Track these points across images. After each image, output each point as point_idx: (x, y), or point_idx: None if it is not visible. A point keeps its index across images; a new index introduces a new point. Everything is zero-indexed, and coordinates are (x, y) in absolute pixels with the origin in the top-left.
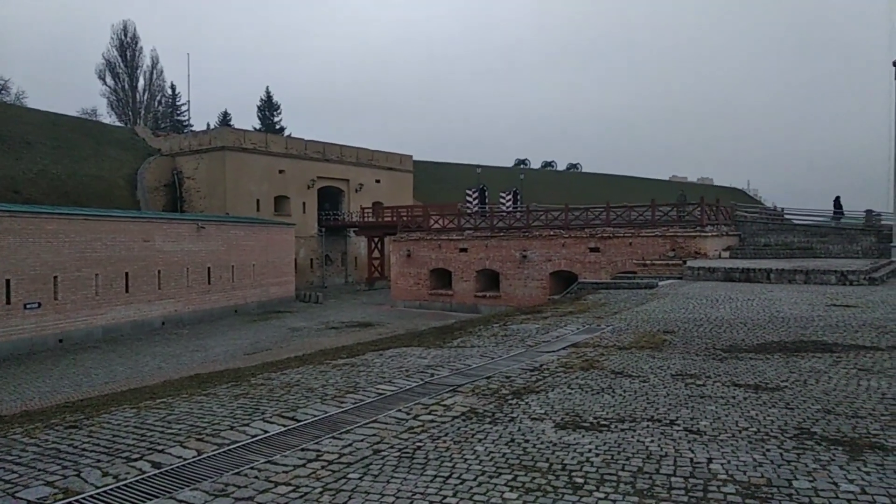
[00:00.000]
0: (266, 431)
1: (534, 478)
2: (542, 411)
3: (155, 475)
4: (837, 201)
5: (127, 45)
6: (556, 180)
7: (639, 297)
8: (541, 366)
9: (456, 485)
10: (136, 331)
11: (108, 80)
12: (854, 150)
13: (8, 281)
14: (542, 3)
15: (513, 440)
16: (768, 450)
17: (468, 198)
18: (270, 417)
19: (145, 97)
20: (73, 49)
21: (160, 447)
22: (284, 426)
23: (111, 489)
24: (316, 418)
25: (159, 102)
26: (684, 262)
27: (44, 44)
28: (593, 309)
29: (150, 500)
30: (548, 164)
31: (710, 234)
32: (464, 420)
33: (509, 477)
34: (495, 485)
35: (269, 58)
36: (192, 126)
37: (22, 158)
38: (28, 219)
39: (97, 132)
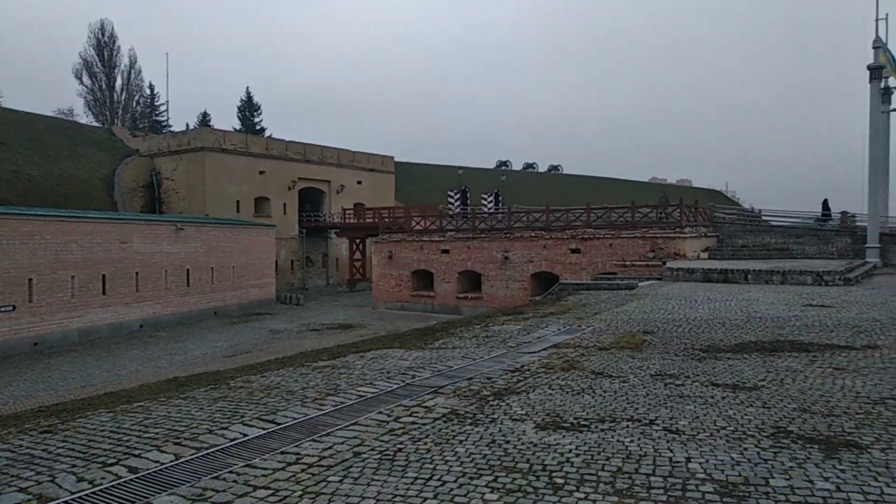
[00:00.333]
0: (245, 435)
1: (514, 479)
2: (523, 412)
3: (131, 480)
4: (825, 204)
5: (104, 44)
6: (538, 182)
7: (619, 297)
8: (522, 367)
9: (436, 486)
10: (114, 334)
11: (86, 79)
12: (830, 153)
13: None
14: (524, 7)
15: (494, 441)
16: (746, 449)
17: (450, 199)
18: (250, 420)
19: (123, 97)
20: (50, 48)
21: (137, 452)
22: (264, 429)
23: (86, 495)
24: (296, 421)
25: (137, 102)
26: (664, 263)
27: (19, 42)
28: (574, 310)
29: None
30: (529, 166)
31: (689, 235)
32: (445, 421)
33: (490, 478)
34: (476, 486)
35: (249, 58)
36: (170, 126)
37: None
38: (2, 220)
39: (74, 132)
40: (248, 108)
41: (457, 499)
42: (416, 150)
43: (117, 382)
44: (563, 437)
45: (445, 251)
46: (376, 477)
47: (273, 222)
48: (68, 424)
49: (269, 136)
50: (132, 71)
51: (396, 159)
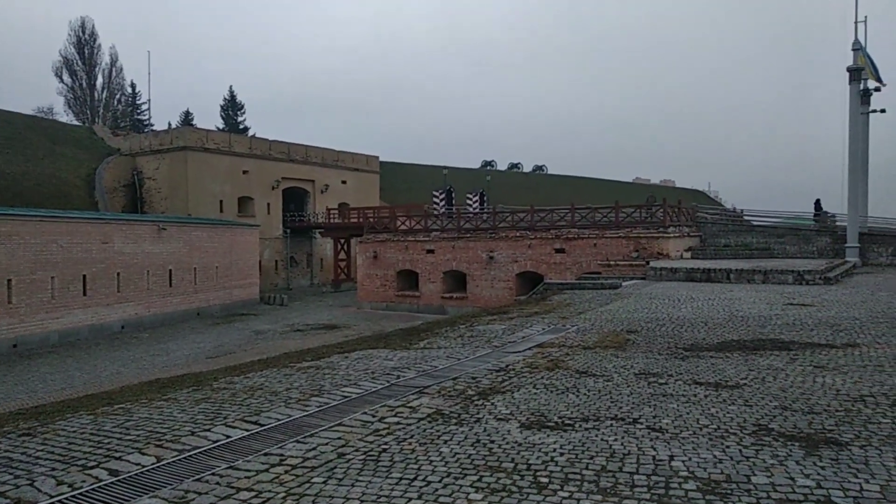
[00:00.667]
0: (228, 436)
1: (499, 478)
2: (508, 411)
3: (112, 483)
4: (818, 204)
5: (85, 42)
6: (523, 182)
7: (603, 297)
8: (507, 366)
9: (421, 487)
10: (95, 335)
11: (66, 77)
12: (810, 153)
13: None
14: (511, 7)
15: (478, 441)
16: (728, 446)
17: (435, 199)
18: (233, 422)
19: (104, 95)
20: (30, 46)
21: (118, 454)
22: (247, 431)
23: (66, 498)
24: (280, 422)
25: (118, 101)
26: (647, 263)
27: None
28: (558, 309)
29: None
30: (514, 166)
31: (672, 235)
32: (430, 422)
33: (475, 478)
34: (460, 486)
35: (232, 57)
36: (152, 125)
37: None
38: None
39: (53, 131)
40: (232, 108)
41: (441, 499)
42: (401, 150)
43: (98, 384)
44: (548, 436)
45: (430, 251)
46: (360, 478)
47: (257, 222)
48: (48, 427)
49: (253, 136)
50: (113, 69)
51: (381, 159)
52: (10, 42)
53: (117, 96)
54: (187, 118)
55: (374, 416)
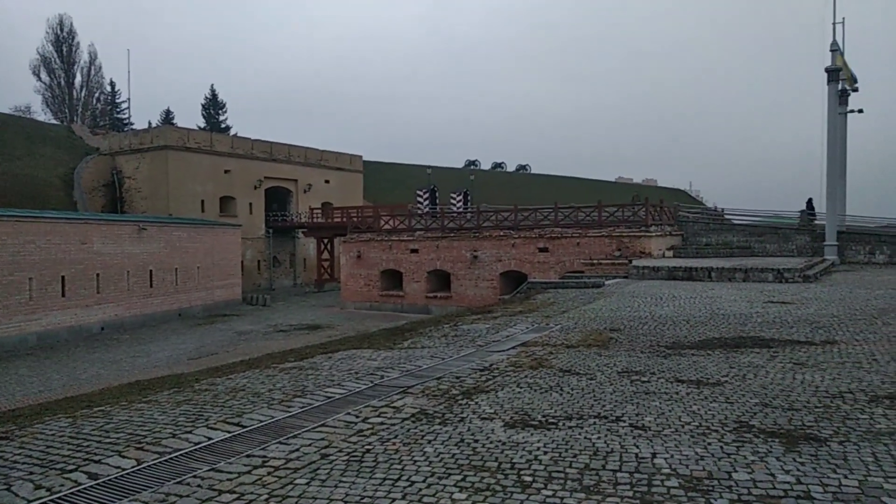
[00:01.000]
0: (210, 438)
1: (483, 477)
2: (492, 411)
3: (91, 487)
4: (810, 203)
5: (63, 39)
6: (506, 181)
7: (586, 296)
8: (490, 365)
9: (405, 487)
10: (74, 337)
11: (44, 76)
12: (790, 153)
13: None
14: (495, 8)
15: (462, 440)
16: (709, 443)
17: (419, 198)
18: (214, 424)
19: (83, 94)
20: (6, 44)
21: (97, 457)
22: (229, 432)
23: (44, 502)
24: (262, 423)
25: (98, 100)
26: (630, 262)
27: None
28: (542, 308)
29: None
30: (497, 166)
31: (654, 234)
32: (413, 421)
33: (458, 477)
34: (444, 486)
35: (214, 56)
36: (132, 124)
37: None
38: None
39: (31, 130)
40: (213, 106)
41: (425, 499)
42: (384, 150)
43: (77, 387)
44: (532, 434)
45: (414, 251)
46: (344, 478)
47: (239, 222)
48: (25, 430)
49: (235, 135)
50: (92, 67)
51: (365, 158)
52: None
53: (96, 95)
54: (168, 117)
55: (357, 417)
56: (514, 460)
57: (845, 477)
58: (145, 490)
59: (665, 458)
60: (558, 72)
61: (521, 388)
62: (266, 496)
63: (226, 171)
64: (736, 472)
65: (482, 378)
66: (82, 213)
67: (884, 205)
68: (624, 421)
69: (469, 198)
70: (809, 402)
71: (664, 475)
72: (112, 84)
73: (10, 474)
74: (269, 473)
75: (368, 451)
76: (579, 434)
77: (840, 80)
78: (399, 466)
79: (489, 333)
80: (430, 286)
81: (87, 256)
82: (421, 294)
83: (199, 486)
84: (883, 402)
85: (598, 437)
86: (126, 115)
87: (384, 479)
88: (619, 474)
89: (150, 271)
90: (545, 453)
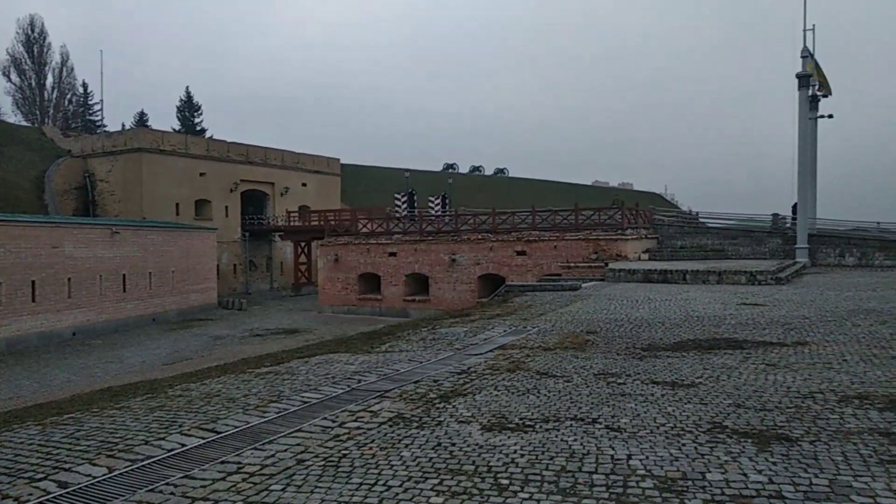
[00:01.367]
0: (183, 445)
1: (460, 481)
2: (469, 414)
3: (61, 496)
4: (794, 208)
5: (34, 40)
6: (484, 185)
7: (563, 298)
8: (468, 368)
9: (382, 492)
10: (44, 342)
11: (14, 76)
12: (764, 157)
13: None
14: (471, 12)
15: (439, 444)
16: (684, 444)
17: (397, 202)
18: (188, 430)
19: (54, 95)
20: None
21: (67, 465)
22: (203, 439)
23: None
24: (237, 429)
25: (70, 101)
26: (606, 265)
27: None
28: (520, 311)
29: None
30: (476, 169)
31: (630, 237)
32: (391, 426)
33: (435, 481)
34: (421, 490)
35: (189, 57)
36: (105, 126)
37: None
38: None
39: (0, 132)
40: (188, 109)
41: (402, 503)
42: (362, 153)
43: (48, 393)
44: (509, 437)
45: (392, 254)
46: (320, 484)
47: (214, 225)
48: None
49: (210, 137)
50: (64, 68)
51: (342, 161)
52: None
53: (68, 96)
54: (142, 119)
55: (334, 422)
56: (490, 463)
57: (816, 476)
58: (116, 498)
59: (640, 460)
60: (535, 76)
61: (498, 391)
62: (241, 503)
63: (201, 174)
64: (709, 472)
65: (460, 381)
66: (53, 217)
67: (853, 208)
68: (600, 423)
69: (447, 201)
70: (781, 402)
71: (639, 476)
72: (84, 85)
73: None
74: (243, 480)
75: (345, 456)
76: (556, 436)
77: (811, 85)
78: (376, 471)
79: (467, 336)
80: (408, 290)
81: (58, 260)
82: (399, 297)
83: (171, 493)
84: (852, 402)
85: (575, 439)
86: (99, 117)
87: (361, 483)
88: (594, 476)
89: (124, 275)
90: (522, 456)
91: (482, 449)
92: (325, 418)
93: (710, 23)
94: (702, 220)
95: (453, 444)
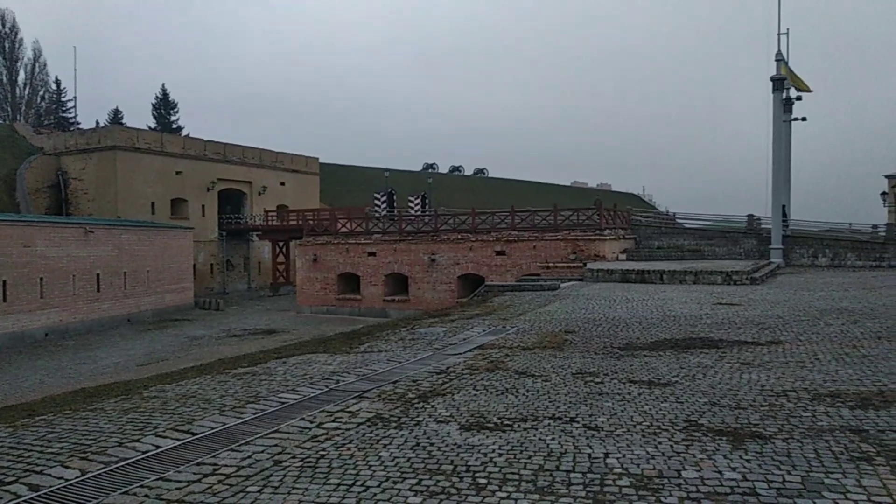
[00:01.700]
0: (158, 446)
1: (438, 481)
2: (448, 414)
3: (32, 499)
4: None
5: (5, 35)
6: (464, 185)
7: (542, 298)
8: (447, 368)
9: (359, 492)
10: (16, 343)
11: None
12: (740, 159)
13: None
14: (450, 11)
15: (418, 444)
16: (660, 442)
17: (376, 201)
18: (163, 431)
19: (26, 92)
20: None
21: (39, 468)
22: (179, 440)
23: None
24: (213, 430)
25: (42, 98)
26: (585, 265)
27: None
28: (499, 311)
29: None
30: (455, 169)
31: (608, 237)
32: (369, 426)
33: (413, 481)
34: (399, 490)
35: (165, 55)
36: (79, 124)
37: None
38: None
39: None
40: (164, 106)
41: (380, 503)
42: (341, 152)
43: (19, 395)
44: (487, 437)
45: (372, 254)
46: (297, 485)
47: (191, 224)
48: None
49: (187, 136)
50: (36, 65)
51: (321, 161)
52: None
53: (41, 93)
54: (116, 117)
55: (312, 422)
56: (469, 463)
57: (789, 473)
58: (90, 501)
59: (617, 458)
60: (515, 77)
61: (477, 390)
62: None
63: (177, 173)
64: (685, 470)
65: (439, 381)
66: (25, 216)
67: (826, 209)
68: (578, 422)
69: (427, 201)
70: (755, 400)
71: (616, 474)
72: (58, 82)
73: None
74: (219, 481)
75: (323, 456)
76: (534, 435)
77: (784, 88)
78: (354, 472)
79: (446, 336)
80: (387, 289)
81: (30, 260)
82: (378, 297)
83: (146, 495)
84: (824, 400)
85: (553, 438)
86: (72, 115)
87: (338, 484)
88: (572, 475)
89: (98, 275)
90: (500, 455)
91: (460, 448)
92: (302, 419)
93: (686, 27)
94: (679, 220)
95: (432, 444)
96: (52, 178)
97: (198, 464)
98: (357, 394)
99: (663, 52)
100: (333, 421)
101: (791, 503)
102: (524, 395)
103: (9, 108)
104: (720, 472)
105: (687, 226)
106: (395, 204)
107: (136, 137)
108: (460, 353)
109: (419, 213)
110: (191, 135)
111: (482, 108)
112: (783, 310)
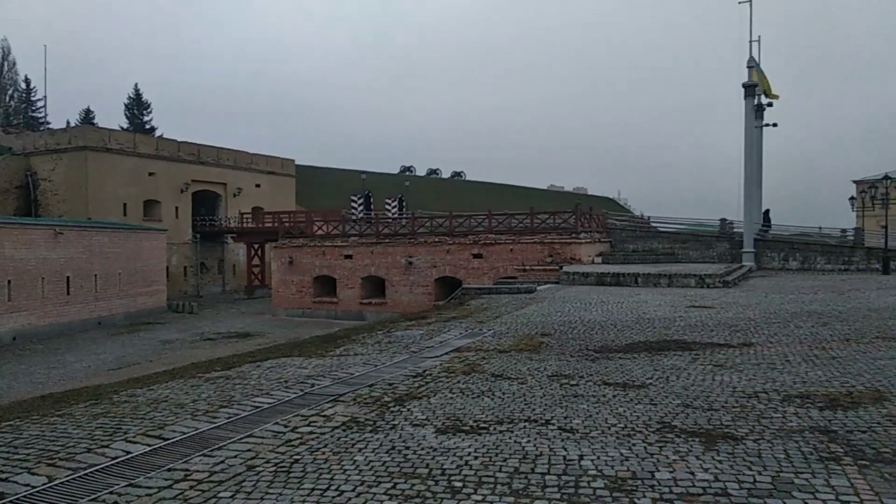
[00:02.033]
0: (128, 452)
1: (413, 485)
2: (424, 417)
3: None
4: (766, 214)
5: None
6: (441, 188)
7: (519, 301)
8: (424, 371)
9: (334, 497)
10: None
11: None
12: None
13: None
14: (426, 14)
15: (393, 448)
16: (634, 444)
17: (353, 204)
18: (134, 437)
19: None
20: None
21: (4, 475)
22: (149, 446)
23: None
24: (185, 436)
25: (11, 97)
26: (561, 268)
27: None
28: (476, 314)
29: None
30: (433, 172)
31: (584, 240)
32: (344, 430)
33: (389, 485)
34: (374, 494)
35: (138, 54)
36: (49, 124)
37: None
38: None
39: None
40: (137, 106)
41: None
42: (318, 154)
43: None
44: (463, 440)
45: (348, 256)
46: (271, 490)
47: (164, 226)
48: None
49: (160, 136)
50: (5, 63)
51: (298, 163)
52: None
53: (10, 92)
54: (88, 117)
55: (286, 427)
56: (444, 466)
57: (759, 473)
58: None
59: (592, 460)
60: (492, 81)
61: (453, 393)
62: None
63: (150, 174)
64: (658, 471)
65: (415, 384)
66: None
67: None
68: (553, 424)
69: (404, 204)
70: (727, 402)
71: (591, 476)
72: (27, 81)
73: None
74: (191, 487)
75: (297, 461)
76: (510, 438)
77: (756, 94)
78: (328, 476)
79: (423, 339)
80: (364, 292)
81: None
82: (355, 300)
83: (115, 502)
84: (794, 401)
85: (528, 441)
86: (42, 114)
87: (312, 489)
88: (547, 477)
89: (68, 278)
90: (476, 458)
91: (436, 452)
92: (277, 423)
93: (662, 33)
94: (653, 224)
95: (407, 448)
96: (21, 178)
97: (169, 469)
98: (332, 397)
99: (638, 57)
100: (308, 425)
101: (762, 503)
102: (500, 397)
103: None
104: (693, 473)
105: (661, 229)
106: (371, 206)
107: (107, 138)
108: (437, 357)
109: (396, 215)
110: (164, 135)
111: (460, 111)
112: (755, 312)
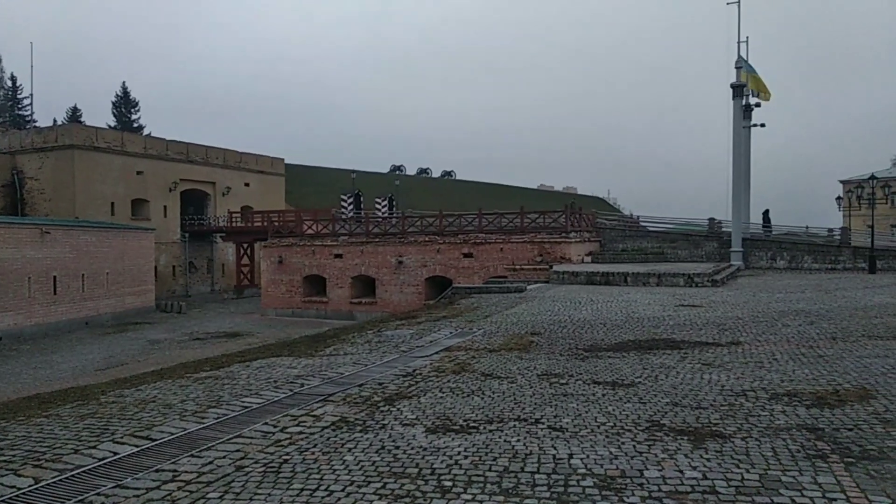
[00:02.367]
0: (116, 453)
1: (403, 484)
2: (414, 416)
3: None
4: (766, 215)
5: None
6: (432, 187)
7: (509, 300)
8: (414, 371)
9: (323, 497)
10: None
11: None
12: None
13: None
14: (417, 14)
15: (383, 447)
16: (623, 443)
17: (343, 203)
18: (121, 438)
19: None
20: None
21: None
22: (137, 446)
23: None
24: (173, 436)
25: None
26: (551, 267)
27: None
28: (466, 313)
29: None
30: (423, 171)
31: (574, 240)
32: (334, 430)
33: (378, 485)
34: (364, 494)
35: (127, 53)
36: (35, 122)
37: None
38: None
39: None
40: (125, 105)
41: None
42: (307, 153)
43: None
44: (453, 439)
45: (338, 256)
46: (260, 491)
47: (152, 226)
48: None
49: (149, 135)
50: None
51: (287, 161)
52: None
53: None
54: (75, 115)
55: (275, 427)
56: (434, 466)
57: (747, 471)
58: None
59: (581, 459)
60: (482, 80)
61: (443, 392)
62: None
63: (138, 173)
64: (647, 469)
65: (405, 384)
66: None
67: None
68: (543, 423)
69: (394, 203)
70: (716, 400)
71: (580, 475)
72: (13, 79)
73: None
74: (179, 488)
75: (286, 461)
76: (499, 437)
77: (744, 95)
78: (318, 476)
79: (413, 339)
80: (354, 292)
81: None
82: (345, 300)
83: (102, 503)
84: (782, 400)
85: (518, 440)
86: (28, 112)
87: (302, 489)
88: (537, 476)
89: (55, 277)
90: (466, 457)
91: (426, 451)
92: (266, 423)
93: (651, 33)
94: (642, 223)
95: (397, 448)
96: (7, 177)
97: (157, 470)
98: (322, 397)
99: (628, 57)
100: (297, 425)
101: (749, 501)
102: (490, 396)
103: None
104: (681, 472)
105: (650, 229)
106: (362, 206)
107: (95, 136)
108: (427, 356)
109: (386, 214)
110: (152, 134)
111: (450, 111)
112: (743, 311)
